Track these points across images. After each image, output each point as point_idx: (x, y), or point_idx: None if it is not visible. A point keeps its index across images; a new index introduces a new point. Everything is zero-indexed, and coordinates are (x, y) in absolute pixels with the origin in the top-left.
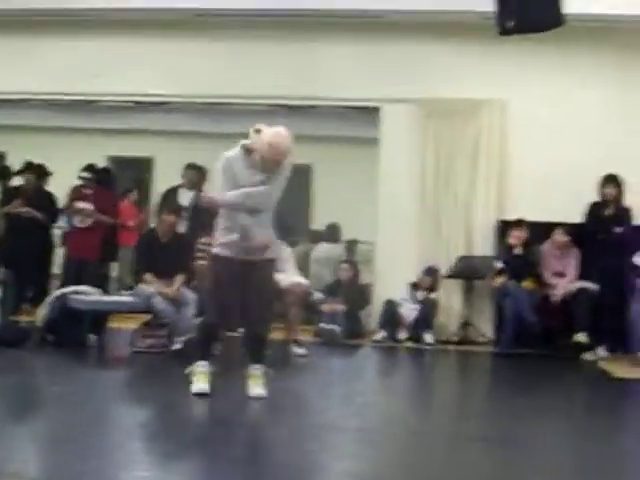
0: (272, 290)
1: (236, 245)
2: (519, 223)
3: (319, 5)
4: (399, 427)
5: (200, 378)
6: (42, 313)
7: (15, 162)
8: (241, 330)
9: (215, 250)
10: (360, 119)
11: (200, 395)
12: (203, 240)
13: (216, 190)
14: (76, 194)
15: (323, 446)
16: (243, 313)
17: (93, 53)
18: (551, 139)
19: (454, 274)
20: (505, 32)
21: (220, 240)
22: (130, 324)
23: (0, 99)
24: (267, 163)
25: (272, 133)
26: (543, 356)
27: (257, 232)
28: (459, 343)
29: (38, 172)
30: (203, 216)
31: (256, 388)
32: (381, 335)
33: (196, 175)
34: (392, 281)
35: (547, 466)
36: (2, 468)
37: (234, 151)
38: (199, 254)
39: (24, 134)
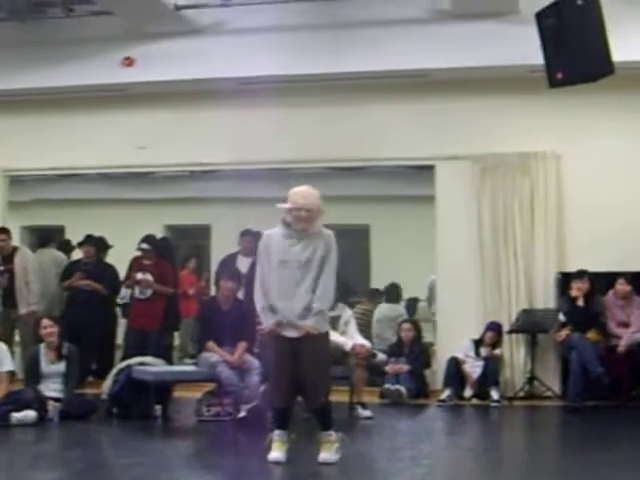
0: (325, 362)
1: (279, 323)
2: (580, 274)
3: (365, 67)
4: None
5: (276, 446)
6: (107, 385)
7: (74, 235)
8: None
9: (266, 329)
10: (415, 178)
11: (275, 463)
12: None
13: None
14: (136, 266)
15: None
16: (300, 388)
17: (144, 125)
18: (608, 189)
19: (517, 329)
20: (555, 84)
21: (266, 320)
22: (195, 393)
23: (57, 174)
24: (295, 220)
25: (294, 189)
26: (612, 407)
27: (294, 309)
28: (526, 398)
29: (98, 245)
30: None
31: (325, 454)
32: (446, 394)
33: (252, 241)
34: (455, 338)
35: None
36: None
37: (275, 228)
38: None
39: (82, 207)
